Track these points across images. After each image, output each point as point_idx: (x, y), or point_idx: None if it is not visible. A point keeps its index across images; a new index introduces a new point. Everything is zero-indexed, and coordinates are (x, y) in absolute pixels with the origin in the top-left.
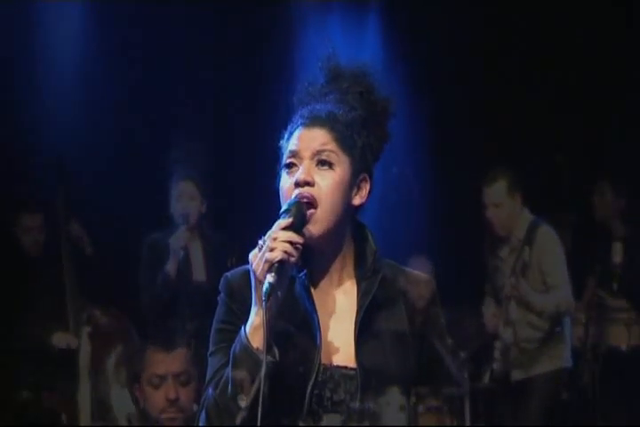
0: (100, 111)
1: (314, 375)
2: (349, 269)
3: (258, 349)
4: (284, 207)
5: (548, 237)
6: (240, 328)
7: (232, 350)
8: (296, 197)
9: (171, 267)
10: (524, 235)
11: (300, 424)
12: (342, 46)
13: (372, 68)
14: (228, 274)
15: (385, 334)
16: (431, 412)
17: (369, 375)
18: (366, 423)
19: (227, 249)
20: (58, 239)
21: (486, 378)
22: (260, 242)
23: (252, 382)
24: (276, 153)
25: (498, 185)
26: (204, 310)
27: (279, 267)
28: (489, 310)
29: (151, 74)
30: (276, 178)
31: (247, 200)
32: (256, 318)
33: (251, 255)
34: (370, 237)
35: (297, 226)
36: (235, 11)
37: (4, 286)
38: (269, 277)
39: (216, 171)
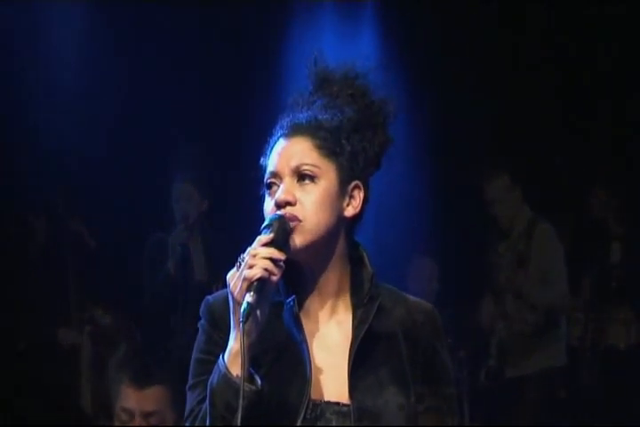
0: (101, 111)
1: (302, 412)
2: (345, 294)
3: (238, 376)
4: (265, 222)
5: (547, 234)
6: None
7: (210, 379)
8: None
9: (170, 265)
10: (524, 230)
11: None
12: (335, 47)
13: (365, 69)
14: (210, 297)
15: (382, 368)
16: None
17: (364, 413)
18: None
19: (227, 249)
20: (59, 239)
21: (482, 375)
22: (239, 260)
23: (233, 414)
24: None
25: (499, 181)
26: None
27: (259, 285)
28: (487, 306)
29: (151, 75)
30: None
31: (247, 200)
32: (235, 343)
33: (228, 275)
34: (365, 259)
35: (279, 242)
36: (233, 11)
37: (6, 287)
38: (248, 297)
39: (216, 171)
